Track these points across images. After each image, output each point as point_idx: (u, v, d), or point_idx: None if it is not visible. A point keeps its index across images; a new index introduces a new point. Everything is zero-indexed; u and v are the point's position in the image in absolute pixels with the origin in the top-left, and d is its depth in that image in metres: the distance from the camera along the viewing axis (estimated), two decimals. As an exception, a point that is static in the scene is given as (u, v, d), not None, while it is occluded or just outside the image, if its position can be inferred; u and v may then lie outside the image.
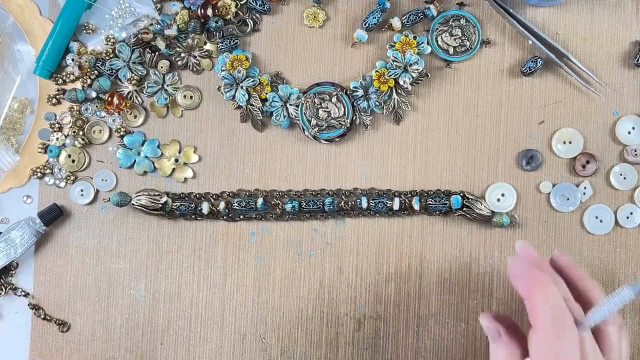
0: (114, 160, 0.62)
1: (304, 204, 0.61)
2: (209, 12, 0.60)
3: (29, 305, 0.62)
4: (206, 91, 0.62)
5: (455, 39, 0.61)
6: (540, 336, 0.45)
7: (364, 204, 0.61)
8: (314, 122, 0.60)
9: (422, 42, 0.60)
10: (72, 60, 0.61)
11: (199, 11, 0.60)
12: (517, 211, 0.62)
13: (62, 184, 0.62)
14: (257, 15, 0.61)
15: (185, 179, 0.62)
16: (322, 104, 0.60)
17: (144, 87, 0.61)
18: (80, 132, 0.62)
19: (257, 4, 0.61)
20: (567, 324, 0.45)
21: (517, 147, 0.62)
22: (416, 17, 0.60)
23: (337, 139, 0.61)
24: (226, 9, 0.60)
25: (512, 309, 0.62)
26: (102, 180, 0.62)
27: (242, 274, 0.62)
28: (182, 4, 0.60)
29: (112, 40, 0.61)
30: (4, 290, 0.62)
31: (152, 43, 0.61)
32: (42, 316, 0.61)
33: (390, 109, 0.61)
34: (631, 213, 0.61)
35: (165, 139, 0.62)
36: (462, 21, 0.61)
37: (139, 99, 0.62)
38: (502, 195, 0.61)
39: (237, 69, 0.60)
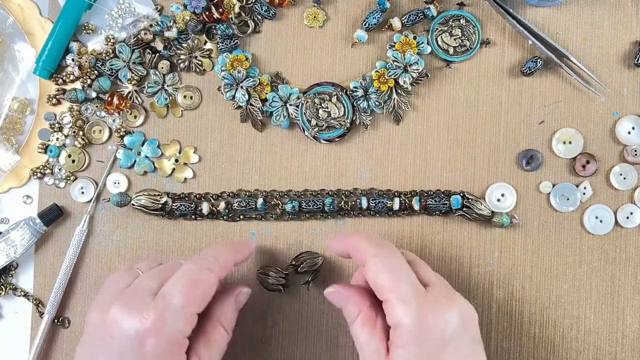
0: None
1: (304, 204, 0.61)
2: (215, 14, 0.60)
3: (31, 299, 0.62)
4: (206, 91, 0.62)
5: (455, 39, 0.61)
6: (371, 263, 0.49)
7: (364, 204, 0.61)
8: (314, 122, 0.60)
9: (422, 42, 0.60)
10: (72, 60, 0.61)
11: (203, 14, 0.60)
12: (517, 211, 0.62)
13: (62, 184, 0.62)
14: (259, 17, 0.61)
15: (185, 179, 0.62)
16: (322, 104, 0.60)
17: (144, 87, 0.61)
18: (80, 132, 0.62)
19: (262, 9, 0.61)
20: (388, 244, 0.51)
21: (517, 147, 0.62)
22: (416, 17, 0.60)
23: (337, 139, 0.61)
24: (230, 7, 0.60)
25: (512, 309, 0.62)
26: (115, 183, 0.62)
27: (241, 274, 0.62)
28: (183, 6, 0.61)
29: (112, 40, 0.61)
30: (4, 290, 0.62)
31: (152, 44, 0.61)
32: (43, 312, 0.61)
33: (390, 109, 0.61)
34: (631, 213, 0.61)
35: (165, 139, 0.62)
36: (462, 21, 0.61)
37: (139, 99, 0.62)
38: (502, 195, 0.61)
39: (237, 69, 0.60)
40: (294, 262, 0.60)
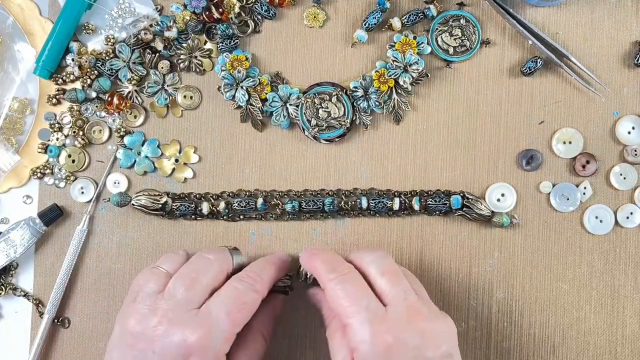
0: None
1: (304, 204, 0.61)
2: (215, 14, 0.60)
3: (31, 299, 0.62)
4: (206, 91, 0.62)
5: (455, 39, 0.61)
6: (329, 289, 0.50)
7: (364, 204, 0.61)
8: (314, 122, 0.60)
9: (422, 42, 0.60)
10: (72, 60, 0.61)
11: (203, 14, 0.60)
12: (517, 211, 0.62)
13: (62, 184, 0.62)
14: (259, 17, 0.61)
15: (185, 179, 0.62)
16: (322, 104, 0.60)
17: (144, 87, 0.61)
18: (80, 132, 0.62)
19: (262, 9, 0.61)
20: (344, 268, 0.52)
21: (517, 147, 0.62)
22: (416, 17, 0.60)
23: (337, 139, 0.61)
24: (230, 7, 0.60)
25: (512, 309, 0.62)
26: (115, 183, 0.62)
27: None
28: (183, 6, 0.61)
29: (112, 40, 0.61)
30: (4, 290, 0.62)
31: (152, 44, 0.61)
32: (43, 312, 0.61)
33: (390, 109, 0.61)
34: (631, 213, 0.61)
35: (165, 139, 0.62)
36: (462, 21, 0.61)
37: (139, 99, 0.62)
38: (502, 195, 0.61)
39: (237, 69, 0.60)
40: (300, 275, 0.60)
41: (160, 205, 0.60)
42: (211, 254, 0.55)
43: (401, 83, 0.60)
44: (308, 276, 0.59)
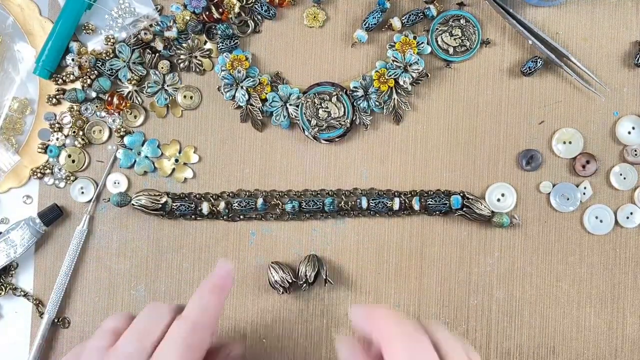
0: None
1: (304, 204, 0.61)
2: (215, 14, 0.60)
3: (31, 299, 0.62)
4: (206, 91, 0.62)
5: (455, 39, 0.61)
6: (395, 347, 0.44)
7: (364, 204, 0.61)
8: (314, 122, 0.60)
9: (422, 42, 0.60)
10: (72, 60, 0.61)
11: (203, 14, 0.60)
12: (517, 211, 0.62)
13: (62, 184, 0.62)
14: (259, 17, 0.61)
15: (185, 179, 0.62)
16: (322, 104, 0.60)
17: (144, 87, 0.61)
18: (80, 132, 0.62)
19: (262, 9, 0.61)
20: (411, 323, 0.45)
21: (517, 147, 0.62)
22: (416, 17, 0.60)
23: (337, 139, 0.61)
24: (230, 7, 0.60)
25: (512, 309, 0.62)
26: (115, 183, 0.62)
27: (242, 274, 0.62)
28: (183, 6, 0.61)
29: (112, 40, 0.61)
30: (4, 290, 0.62)
31: (152, 44, 0.61)
32: (43, 312, 0.61)
33: (390, 109, 0.61)
34: (631, 213, 0.61)
35: (165, 139, 0.62)
36: (462, 21, 0.61)
37: (139, 99, 0.62)
38: (502, 195, 0.61)
39: (237, 69, 0.60)
40: (302, 280, 0.60)
41: (160, 205, 0.60)
42: (161, 307, 0.50)
43: (401, 83, 0.60)
44: (308, 276, 0.59)
